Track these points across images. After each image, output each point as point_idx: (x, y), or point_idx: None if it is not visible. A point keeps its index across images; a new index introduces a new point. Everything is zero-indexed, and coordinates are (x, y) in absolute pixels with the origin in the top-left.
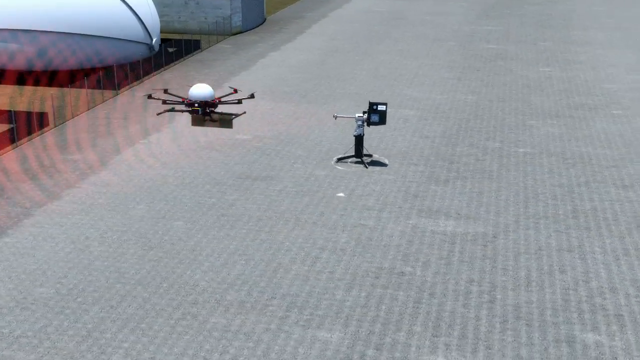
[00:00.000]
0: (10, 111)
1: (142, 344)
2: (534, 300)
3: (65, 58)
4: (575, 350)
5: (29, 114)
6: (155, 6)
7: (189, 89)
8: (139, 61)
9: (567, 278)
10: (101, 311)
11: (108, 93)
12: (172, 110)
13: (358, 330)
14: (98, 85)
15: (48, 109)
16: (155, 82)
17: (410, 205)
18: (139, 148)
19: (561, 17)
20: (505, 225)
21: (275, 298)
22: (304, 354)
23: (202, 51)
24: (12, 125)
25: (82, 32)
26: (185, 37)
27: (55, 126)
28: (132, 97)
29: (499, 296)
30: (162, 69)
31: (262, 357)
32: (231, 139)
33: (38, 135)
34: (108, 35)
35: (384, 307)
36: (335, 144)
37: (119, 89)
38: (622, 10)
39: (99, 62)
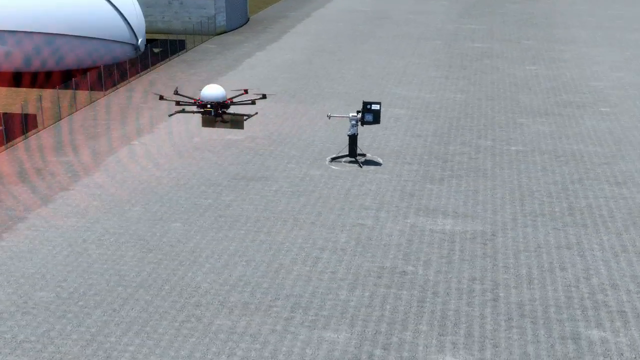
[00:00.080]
0: None
1: (148, 347)
2: (537, 298)
3: (50, 59)
4: (581, 347)
5: (18, 116)
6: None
7: (177, 88)
8: (125, 61)
9: (568, 275)
10: (104, 315)
11: (96, 94)
12: (183, 111)
13: (364, 330)
14: (86, 86)
15: (32, 110)
16: (141, 83)
17: (407, 205)
18: (131, 149)
19: (543, 16)
20: (503, 223)
21: (279, 299)
22: (312, 354)
23: (187, 51)
24: (0, 128)
25: (67, 33)
26: (171, 37)
27: (45, 128)
28: (120, 97)
29: (502, 294)
30: (149, 69)
31: (270, 358)
32: (223, 139)
33: (27, 138)
34: (93, 36)
35: (388, 306)
36: (328, 144)
37: (106, 90)
38: (602, 9)
39: (85, 63)
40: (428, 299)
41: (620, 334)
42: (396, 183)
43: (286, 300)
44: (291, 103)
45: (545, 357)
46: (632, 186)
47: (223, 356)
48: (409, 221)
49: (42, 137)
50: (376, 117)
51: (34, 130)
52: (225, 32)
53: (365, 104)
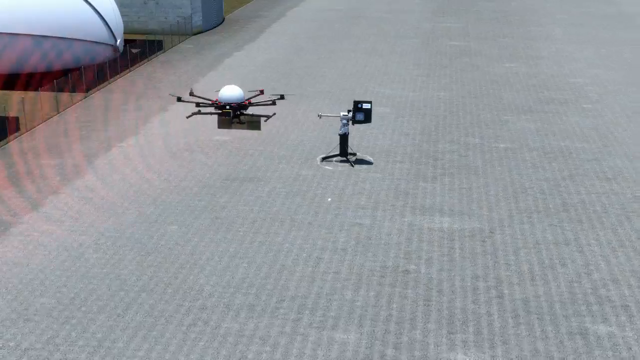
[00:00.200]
0: None
1: (156, 352)
2: (541, 294)
3: (29, 61)
4: (589, 342)
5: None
6: None
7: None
8: (106, 62)
9: (568, 271)
10: (108, 320)
11: (77, 96)
12: (200, 112)
13: (373, 330)
14: (67, 88)
15: (14, 113)
16: (122, 84)
17: (402, 203)
18: (118, 151)
19: (516, 14)
20: (500, 221)
21: (284, 300)
22: (323, 356)
23: (165, 52)
24: None
25: (45, 34)
26: (150, 37)
27: (28, 131)
28: (102, 99)
29: (506, 291)
30: (128, 70)
31: None
32: (211, 140)
33: (10, 141)
34: (72, 37)
35: (395, 305)
36: (317, 143)
37: (88, 91)
38: (574, 7)
39: (63, 64)
40: (434, 298)
41: (627, 329)
42: (389, 182)
43: (292, 301)
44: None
45: (556, 353)
46: (621, 181)
47: (234, 359)
48: (406, 220)
49: (26, 140)
50: (367, 116)
51: (16, 134)
52: (201, 32)
53: (356, 103)
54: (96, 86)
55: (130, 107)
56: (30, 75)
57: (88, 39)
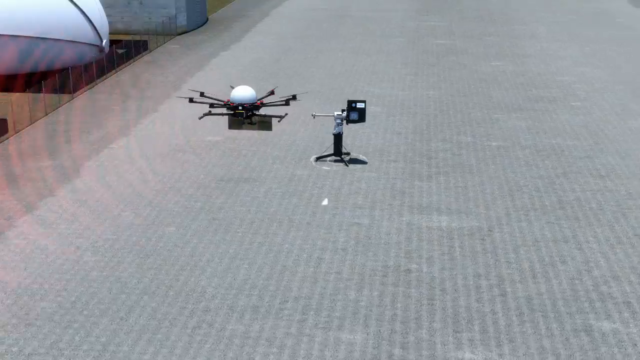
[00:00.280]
0: None
1: (163, 356)
2: (544, 292)
3: (14, 62)
4: (595, 339)
5: None
6: None
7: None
8: (92, 63)
9: (569, 268)
10: (111, 323)
11: (65, 97)
12: (210, 113)
13: (379, 330)
14: (54, 89)
15: (1, 114)
16: (109, 85)
17: (399, 202)
18: (110, 153)
19: (499, 12)
20: (498, 219)
21: (288, 301)
22: (331, 356)
23: (150, 52)
24: None
25: (30, 35)
26: (136, 38)
27: (16, 133)
28: (89, 99)
29: (509, 289)
30: (114, 70)
31: None
32: (203, 141)
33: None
34: (57, 37)
35: (399, 305)
36: (310, 143)
37: (75, 92)
38: (556, 5)
39: (49, 65)
40: (437, 297)
41: (631, 325)
42: (385, 181)
43: (295, 302)
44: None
45: (562, 350)
46: (615, 178)
47: None
48: (404, 219)
49: (14, 143)
50: (361, 116)
51: (4, 136)
52: (186, 32)
53: (350, 102)
54: (83, 87)
55: (119, 108)
56: (16, 77)
57: (73, 39)
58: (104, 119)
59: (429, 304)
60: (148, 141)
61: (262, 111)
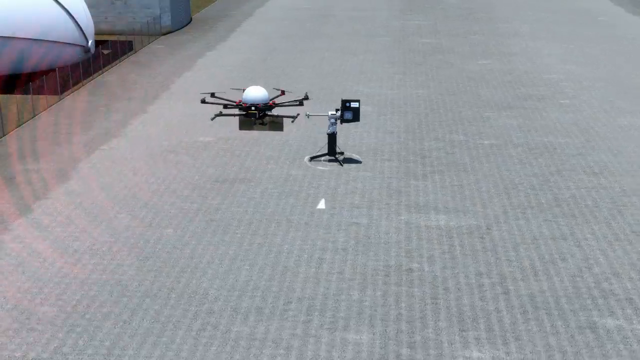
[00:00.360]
0: None
1: (169, 359)
2: (546, 289)
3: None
4: (600, 336)
5: None
6: None
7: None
8: (79, 64)
9: (569, 266)
10: (115, 327)
11: (52, 98)
12: (221, 114)
13: (385, 330)
14: (41, 90)
15: None
16: (95, 86)
17: (396, 202)
18: (102, 154)
19: (482, 10)
20: (495, 217)
21: (291, 302)
22: (339, 357)
23: (136, 52)
24: None
25: (16, 36)
26: (121, 38)
27: (5, 135)
28: (77, 101)
29: (511, 287)
30: (100, 71)
31: None
32: (195, 141)
33: None
34: (43, 38)
35: (403, 304)
36: (303, 143)
37: (62, 93)
38: (538, 3)
39: (35, 66)
40: (440, 296)
41: (634, 321)
42: (381, 180)
43: (299, 303)
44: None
45: (569, 347)
46: (608, 176)
47: None
48: (402, 218)
49: (3, 145)
50: (355, 115)
51: None
52: (170, 32)
53: (344, 102)
54: (70, 88)
55: (108, 109)
56: (0, 78)
57: (59, 40)
58: (93, 120)
59: (433, 303)
60: (139, 142)
61: (275, 111)
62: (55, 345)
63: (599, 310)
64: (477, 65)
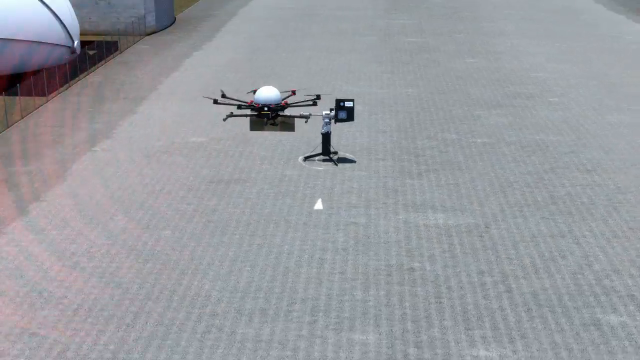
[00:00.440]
0: None
1: None
2: (548, 287)
3: None
4: (605, 333)
5: None
6: None
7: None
8: (65, 64)
9: (570, 263)
10: (118, 330)
11: (39, 99)
12: (232, 115)
13: (391, 330)
14: (28, 92)
15: None
16: (82, 86)
17: (393, 201)
18: (93, 156)
19: (466, 9)
20: (493, 215)
21: (295, 303)
22: (346, 358)
23: (121, 53)
24: None
25: (0, 37)
26: (107, 38)
27: None
28: (65, 102)
29: (513, 285)
30: (86, 72)
31: None
32: (187, 142)
33: None
34: (28, 39)
35: (407, 304)
36: (296, 142)
37: (49, 95)
38: (521, 1)
39: (20, 67)
40: (444, 295)
41: (638, 318)
42: (376, 180)
43: (303, 304)
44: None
45: (574, 345)
46: (602, 173)
47: None
48: (400, 217)
49: None
50: (350, 114)
51: None
52: (155, 32)
53: (338, 101)
54: (57, 89)
55: (97, 110)
56: None
57: (45, 40)
58: (83, 122)
59: (436, 302)
60: (131, 143)
61: (287, 112)
62: (58, 350)
63: (602, 307)
64: (465, 64)
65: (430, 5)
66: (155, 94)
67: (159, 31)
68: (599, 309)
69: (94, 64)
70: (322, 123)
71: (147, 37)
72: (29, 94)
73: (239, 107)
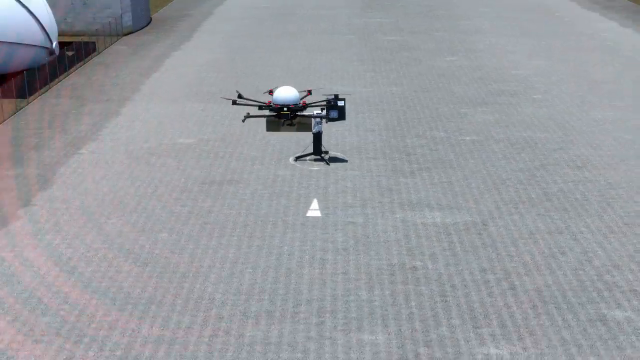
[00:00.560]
0: None
1: None
2: (551, 283)
3: None
4: (611, 329)
5: None
6: None
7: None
8: (45, 65)
9: (570, 259)
10: (123, 336)
11: (18, 102)
12: (249, 116)
13: (400, 330)
14: (8, 94)
15: None
16: (63, 88)
17: (389, 200)
18: (80, 159)
19: (442, 8)
20: (489, 213)
21: (301, 304)
22: (357, 358)
23: (99, 53)
24: None
25: None
26: (85, 39)
27: None
28: (46, 104)
29: (517, 282)
30: (65, 73)
31: None
32: (176, 143)
33: None
34: (6, 40)
35: (413, 303)
36: (285, 142)
37: (29, 96)
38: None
39: None
40: (449, 293)
41: None
42: (370, 179)
43: (309, 305)
44: (230, 103)
45: (583, 340)
46: (592, 169)
47: None
48: (398, 216)
49: None
50: (341, 114)
51: None
52: (131, 32)
53: (328, 100)
54: (37, 91)
55: (80, 112)
56: None
57: (23, 42)
58: (66, 124)
59: (442, 301)
60: (118, 145)
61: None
62: (64, 357)
63: (606, 302)
64: (445, 62)
65: (405, 4)
66: (138, 95)
67: (135, 31)
68: (603, 304)
69: (73, 65)
70: (313, 122)
71: (124, 38)
72: (8, 97)
73: (260, 107)
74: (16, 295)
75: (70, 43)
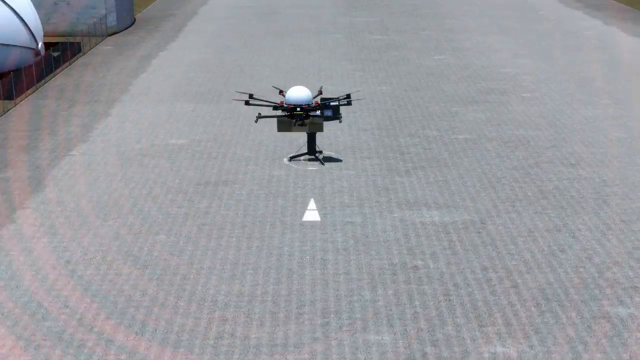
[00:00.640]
0: None
1: None
2: (553, 281)
3: None
4: (616, 325)
5: None
6: None
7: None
8: (32, 66)
9: (570, 257)
10: (127, 339)
11: (5, 103)
12: (260, 116)
13: (405, 329)
14: None
15: None
16: (50, 89)
17: (386, 199)
18: (72, 161)
19: (426, 7)
20: (487, 211)
21: (304, 305)
22: (365, 359)
23: (85, 54)
24: None
25: None
26: (70, 39)
27: None
28: (34, 105)
29: (519, 280)
30: (52, 75)
31: None
32: (168, 144)
33: None
34: None
35: (417, 302)
36: (279, 142)
37: (16, 98)
38: None
39: None
40: (452, 292)
41: None
42: (366, 178)
43: (312, 306)
44: (221, 103)
45: (588, 338)
46: (586, 166)
47: None
48: (396, 215)
49: None
50: (335, 113)
51: None
52: (116, 32)
53: (323, 100)
54: (23, 92)
55: (69, 113)
56: None
57: (8, 42)
58: (56, 125)
59: (446, 300)
60: (109, 146)
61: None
62: None
63: (609, 299)
64: (434, 61)
65: (389, 3)
66: (127, 95)
67: (120, 31)
68: (606, 301)
69: (59, 66)
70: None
71: (109, 38)
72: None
73: (274, 107)
74: (15, 299)
75: (55, 44)
